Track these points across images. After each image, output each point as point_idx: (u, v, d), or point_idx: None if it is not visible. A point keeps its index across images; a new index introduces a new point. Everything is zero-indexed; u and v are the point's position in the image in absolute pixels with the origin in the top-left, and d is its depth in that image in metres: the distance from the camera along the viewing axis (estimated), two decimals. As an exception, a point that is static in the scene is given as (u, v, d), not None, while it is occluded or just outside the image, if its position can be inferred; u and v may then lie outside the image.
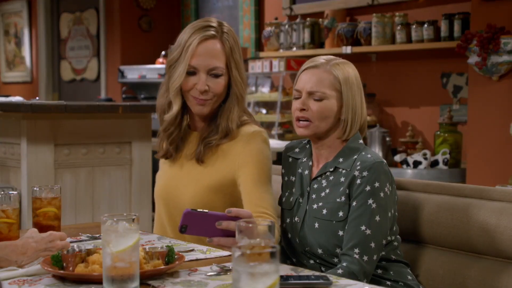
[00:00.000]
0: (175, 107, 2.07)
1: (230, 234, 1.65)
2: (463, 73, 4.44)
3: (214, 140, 2.06)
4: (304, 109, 1.95)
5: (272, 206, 2.02)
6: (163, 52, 6.47)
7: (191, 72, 2.03)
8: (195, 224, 1.65)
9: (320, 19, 5.10)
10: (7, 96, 4.46)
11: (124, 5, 6.80)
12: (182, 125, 2.12)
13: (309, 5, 5.36)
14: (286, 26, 5.23)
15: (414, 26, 4.43)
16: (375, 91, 4.83)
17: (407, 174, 4.21)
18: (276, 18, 5.48)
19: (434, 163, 4.25)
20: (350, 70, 1.97)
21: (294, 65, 5.18)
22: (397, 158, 4.41)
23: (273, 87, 5.47)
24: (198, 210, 1.65)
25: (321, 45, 5.09)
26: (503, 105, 3.77)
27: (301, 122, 1.96)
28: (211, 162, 2.07)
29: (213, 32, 2.04)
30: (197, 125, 2.14)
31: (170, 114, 2.08)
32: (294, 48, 5.19)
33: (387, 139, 4.60)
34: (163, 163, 2.19)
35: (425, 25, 4.38)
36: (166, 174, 2.16)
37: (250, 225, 1.44)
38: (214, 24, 2.06)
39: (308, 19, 5.13)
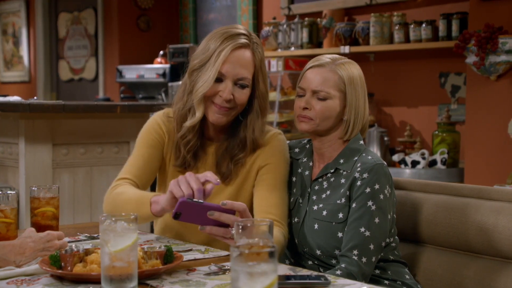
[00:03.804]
0: (198, 114, 1.97)
1: (222, 224, 1.66)
2: (461, 73, 4.45)
3: (243, 157, 2.01)
4: (307, 108, 1.94)
5: (283, 213, 1.98)
6: (161, 52, 6.47)
7: (218, 79, 1.94)
8: (189, 213, 1.65)
9: (318, 19, 5.10)
10: (5, 95, 4.46)
11: (122, 4, 6.79)
12: (199, 135, 2.04)
13: (307, 5, 5.37)
14: (284, 26, 5.24)
15: (412, 26, 4.44)
16: (373, 91, 4.83)
17: (405, 173, 4.21)
18: (274, 18, 5.48)
19: (432, 163, 4.26)
20: (354, 71, 1.96)
21: (292, 64, 5.19)
22: (395, 157, 4.42)
23: (271, 87, 5.47)
24: (194, 200, 1.65)
25: (319, 45, 5.09)
26: (501, 105, 3.77)
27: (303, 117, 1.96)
28: (234, 179, 2.03)
29: (246, 41, 1.96)
30: (214, 135, 2.06)
31: (192, 120, 1.99)
32: (292, 48, 5.19)
33: (385, 138, 4.61)
34: (175, 171, 2.07)
35: (423, 25, 4.38)
36: None
37: (249, 224, 1.44)
38: (245, 33, 1.99)
39: (306, 18, 5.14)
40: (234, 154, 2.02)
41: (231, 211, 1.66)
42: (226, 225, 1.66)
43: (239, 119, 2.04)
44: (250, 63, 1.96)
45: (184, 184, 1.70)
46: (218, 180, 1.71)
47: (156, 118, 2.09)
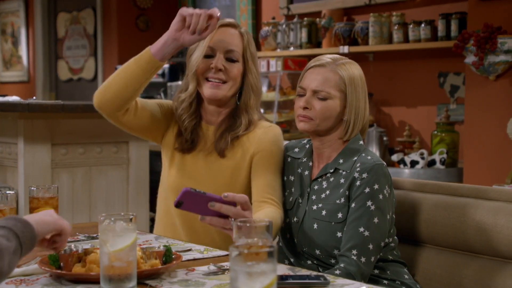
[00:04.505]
0: (191, 87, 2.11)
1: (223, 215, 1.69)
2: (460, 73, 4.45)
3: (240, 131, 2.10)
4: (307, 108, 1.94)
5: (279, 194, 2.05)
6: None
7: (209, 55, 2.09)
8: (191, 202, 1.68)
9: (318, 19, 5.10)
10: (4, 95, 4.45)
11: (121, 4, 6.79)
12: (195, 115, 2.15)
13: (307, 5, 5.37)
14: (284, 26, 5.24)
15: (411, 26, 4.44)
16: (372, 91, 4.83)
17: (404, 173, 4.21)
18: (274, 18, 5.48)
19: (431, 163, 4.26)
20: (355, 71, 1.96)
21: (291, 64, 5.19)
22: (394, 157, 4.42)
23: (271, 87, 5.47)
24: (197, 190, 1.69)
25: (319, 45, 5.09)
26: (500, 105, 3.77)
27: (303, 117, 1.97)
28: (231, 155, 2.11)
29: (232, 21, 2.14)
30: (213, 119, 2.16)
31: (186, 92, 2.13)
32: (292, 48, 5.19)
33: (384, 138, 4.61)
34: (174, 157, 2.17)
35: (422, 25, 4.38)
36: (181, 167, 2.15)
37: (248, 224, 1.44)
38: (233, 19, 2.17)
39: (305, 18, 5.14)
40: (231, 130, 2.11)
41: (232, 203, 1.68)
42: (227, 216, 1.69)
43: (236, 103, 2.14)
44: (238, 39, 2.11)
45: (192, 8, 1.90)
46: (219, 14, 1.91)
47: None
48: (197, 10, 1.90)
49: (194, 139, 2.13)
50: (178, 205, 1.68)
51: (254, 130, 2.12)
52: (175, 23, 1.93)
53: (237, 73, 2.09)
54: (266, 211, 1.97)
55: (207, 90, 2.08)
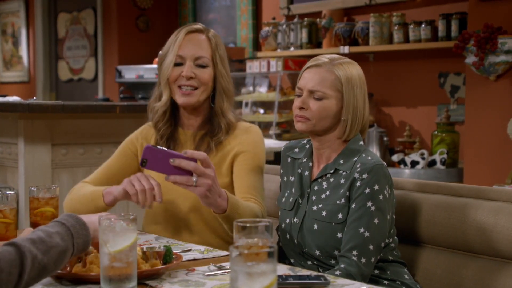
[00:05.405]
0: (165, 97, 2.15)
1: (186, 173, 1.73)
2: (460, 73, 4.45)
3: (221, 136, 2.13)
4: (303, 108, 1.94)
5: (261, 194, 2.09)
6: (160, 52, 6.46)
7: (179, 63, 2.13)
8: (155, 160, 1.73)
9: (318, 19, 5.10)
10: (4, 96, 4.46)
11: (122, 4, 6.79)
12: (171, 122, 2.19)
13: (307, 5, 5.37)
14: (284, 26, 5.24)
15: (411, 26, 4.44)
16: (372, 91, 4.83)
17: (405, 174, 4.21)
18: (274, 18, 5.48)
19: (432, 163, 4.26)
20: (353, 71, 1.96)
21: (291, 65, 5.19)
22: (395, 158, 4.42)
23: (271, 87, 5.47)
24: (158, 146, 1.74)
25: (319, 45, 5.10)
26: (500, 105, 3.77)
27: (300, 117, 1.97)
28: (211, 157, 2.11)
29: (199, 27, 2.17)
30: (191, 124, 2.19)
31: (160, 102, 2.16)
32: (292, 48, 5.19)
33: (385, 139, 4.61)
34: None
35: (423, 25, 4.38)
36: (161, 174, 2.15)
37: (248, 224, 1.44)
38: (201, 25, 2.20)
39: (305, 19, 5.14)
40: (213, 135, 2.15)
41: (193, 160, 1.73)
42: (190, 174, 1.72)
43: (211, 106, 2.18)
44: (205, 44, 2.14)
45: (136, 181, 1.86)
46: (160, 199, 1.86)
47: (139, 129, 2.27)
48: (139, 188, 1.84)
49: (170, 145, 2.17)
50: (142, 163, 1.73)
51: (234, 133, 2.15)
52: (120, 194, 1.91)
53: (208, 78, 2.13)
54: (248, 202, 2.00)
55: (179, 98, 2.13)
